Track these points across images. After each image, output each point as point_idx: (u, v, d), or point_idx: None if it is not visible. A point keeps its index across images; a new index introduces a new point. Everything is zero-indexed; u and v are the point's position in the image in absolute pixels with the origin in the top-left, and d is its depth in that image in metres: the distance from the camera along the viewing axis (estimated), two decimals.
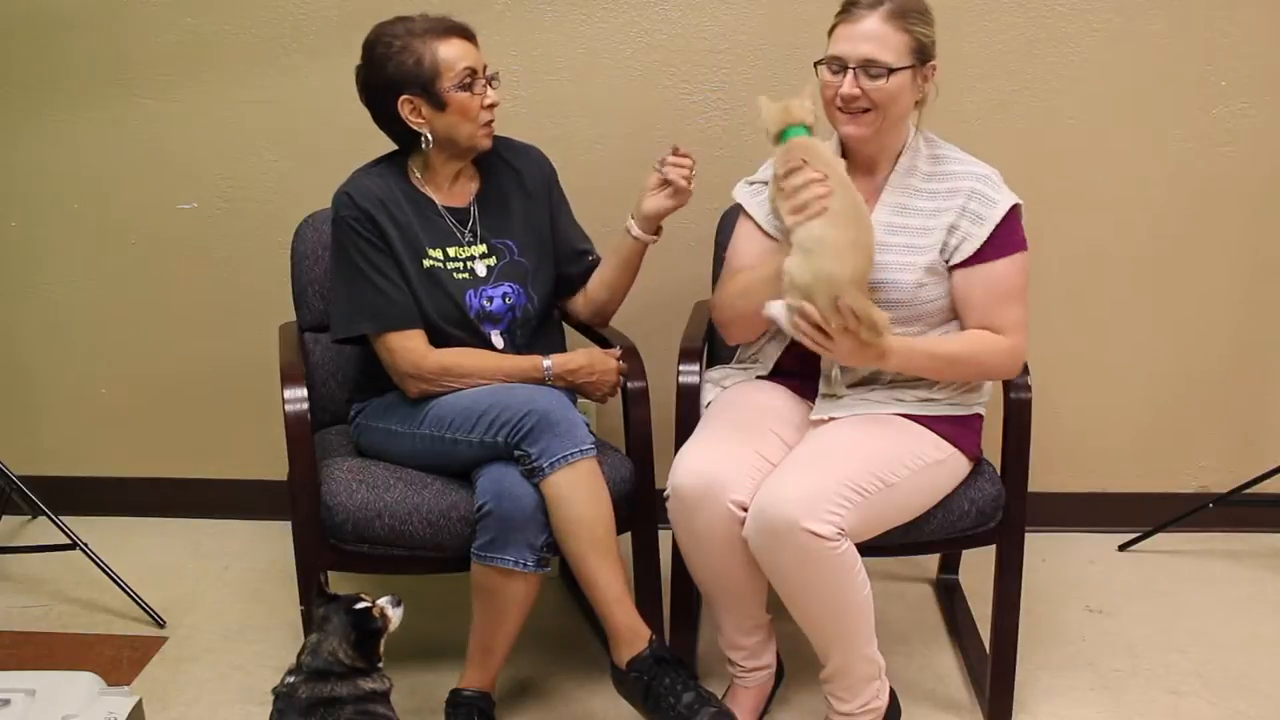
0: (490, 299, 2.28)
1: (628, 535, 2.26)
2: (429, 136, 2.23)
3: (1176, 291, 2.88)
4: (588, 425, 2.15)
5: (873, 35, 2.02)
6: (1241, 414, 2.96)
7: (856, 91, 2.04)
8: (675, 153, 2.24)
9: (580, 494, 2.08)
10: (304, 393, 2.21)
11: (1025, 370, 2.17)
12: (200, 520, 3.14)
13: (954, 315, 2.15)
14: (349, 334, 2.26)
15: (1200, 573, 2.83)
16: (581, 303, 2.46)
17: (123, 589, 2.67)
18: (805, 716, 2.29)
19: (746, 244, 2.24)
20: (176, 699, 2.38)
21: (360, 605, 1.94)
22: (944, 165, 2.14)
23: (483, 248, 2.31)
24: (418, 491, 2.17)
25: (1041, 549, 2.84)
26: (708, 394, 2.29)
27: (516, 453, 2.08)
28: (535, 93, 2.82)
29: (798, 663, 2.30)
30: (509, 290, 2.30)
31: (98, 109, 2.92)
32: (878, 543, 2.07)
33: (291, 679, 1.92)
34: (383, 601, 1.98)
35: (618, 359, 2.32)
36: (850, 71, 2.04)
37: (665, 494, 2.07)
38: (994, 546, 2.23)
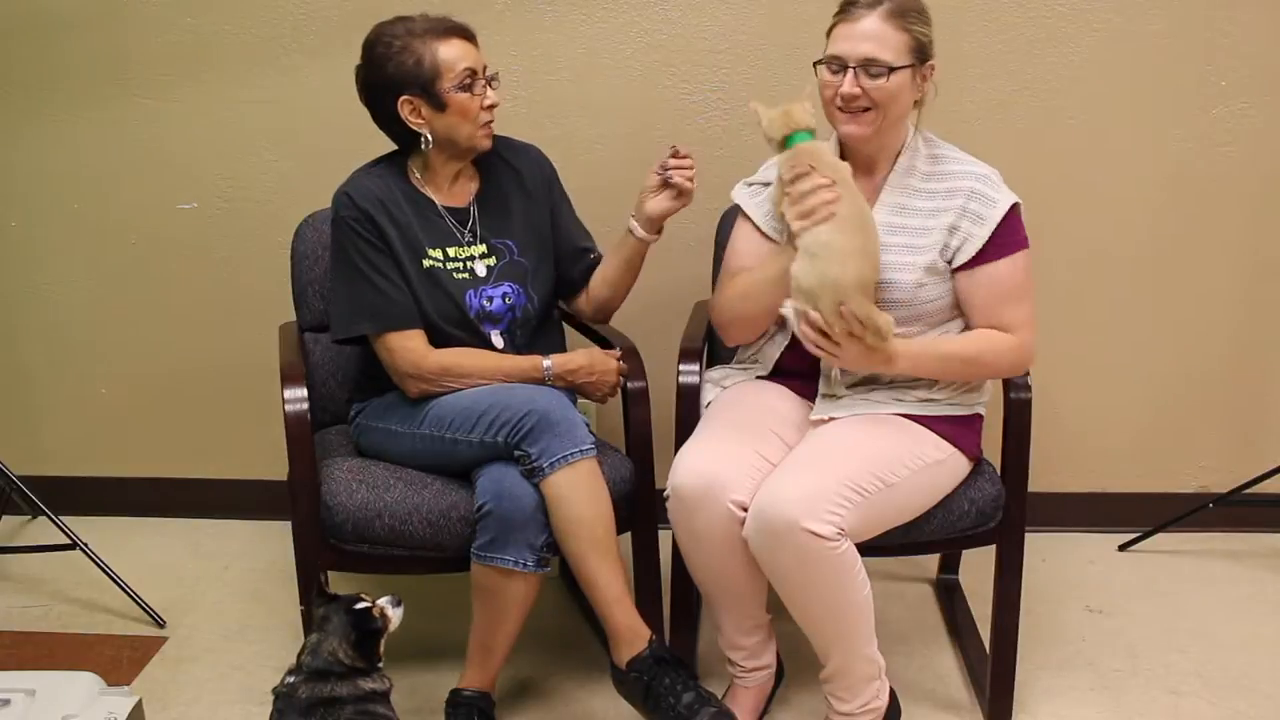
0: (490, 299, 2.28)
1: (628, 535, 2.26)
2: (428, 137, 2.23)
3: (1176, 291, 2.88)
4: (588, 425, 2.14)
5: (872, 34, 2.02)
6: (1241, 414, 2.96)
7: (857, 90, 2.04)
8: (675, 154, 2.24)
9: (580, 494, 2.08)
10: (304, 393, 2.21)
11: (1025, 370, 2.17)
12: (200, 520, 3.14)
13: (954, 315, 2.16)
14: (349, 334, 2.26)
15: (1200, 573, 2.83)
16: (584, 301, 2.46)
17: (123, 589, 2.67)
18: (805, 716, 2.29)
19: (745, 245, 2.25)
20: (176, 699, 2.38)
21: (360, 605, 1.94)
22: (943, 165, 2.14)
23: (482, 248, 2.31)
24: (418, 491, 2.17)
25: (1041, 549, 2.84)
26: (708, 394, 2.29)
27: (516, 453, 2.08)
28: (535, 93, 2.82)
29: (798, 663, 2.30)
30: (509, 290, 2.30)
31: (98, 109, 2.92)
32: (878, 543, 2.07)
33: (291, 679, 1.92)
34: (383, 601, 1.98)
35: (618, 359, 2.32)
36: (850, 71, 2.04)
37: (665, 494, 2.07)
38: (994, 546, 2.23)
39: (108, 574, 2.67)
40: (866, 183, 2.14)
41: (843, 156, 2.13)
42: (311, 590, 2.04)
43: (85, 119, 2.93)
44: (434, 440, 2.18)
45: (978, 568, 2.52)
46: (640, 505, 2.28)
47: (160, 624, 2.64)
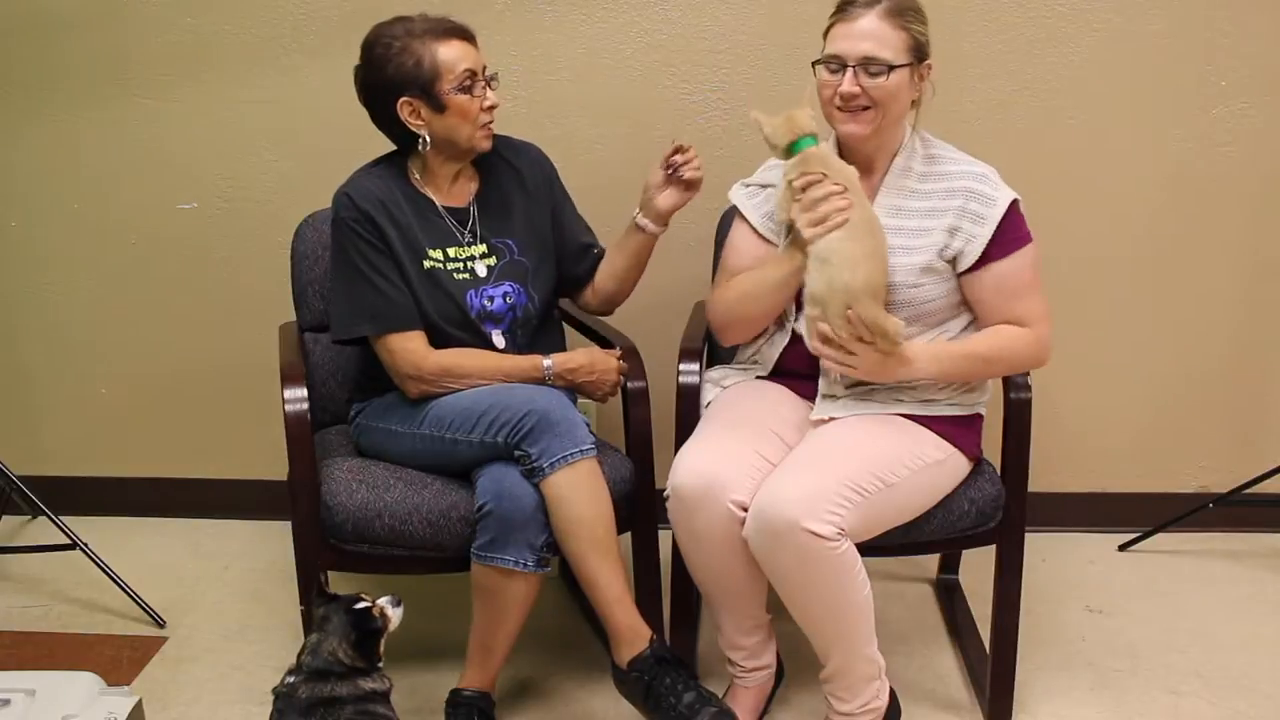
0: (491, 299, 2.28)
1: (628, 535, 2.26)
2: (427, 138, 2.22)
3: (1176, 291, 2.88)
4: (588, 425, 2.14)
5: (871, 33, 2.02)
6: (1241, 414, 2.96)
7: (856, 89, 2.04)
8: (680, 150, 2.24)
9: (580, 494, 2.08)
10: (304, 393, 2.21)
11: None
12: (200, 520, 3.14)
13: (954, 314, 2.16)
14: (349, 335, 2.26)
15: (1200, 573, 2.83)
16: (590, 295, 2.45)
17: (123, 589, 2.67)
18: (805, 716, 2.29)
19: (742, 246, 2.25)
20: (176, 699, 2.38)
21: (360, 605, 1.94)
22: (939, 165, 2.14)
23: (483, 247, 2.31)
24: (418, 491, 2.17)
25: (1041, 549, 2.84)
26: (708, 394, 2.29)
27: (517, 453, 2.08)
28: (535, 93, 2.82)
29: (798, 663, 2.30)
30: (509, 290, 2.30)
31: (98, 109, 2.92)
32: (878, 543, 2.07)
33: (291, 679, 1.92)
34: (383, 601, 1.98)
35: (618, 358, 2.32)
36: (849, 70, 2.04)
37: (665, 494, 2.07)
38: (994, 546, 2.23)
39: (108, 574, 2.67)
40: (864, 183, 2.13)
41: (841, 157, 2.13)
42: (311, 590, 2.04)
43: (85, 119, 2.93)
44: (434, 440, 2.18)
45: (978, 568, 2.52)
46: (640, 505, 2.28)
47: (160, 624, 2.64)
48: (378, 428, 2.30)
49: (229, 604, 2.76)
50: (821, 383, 2.18)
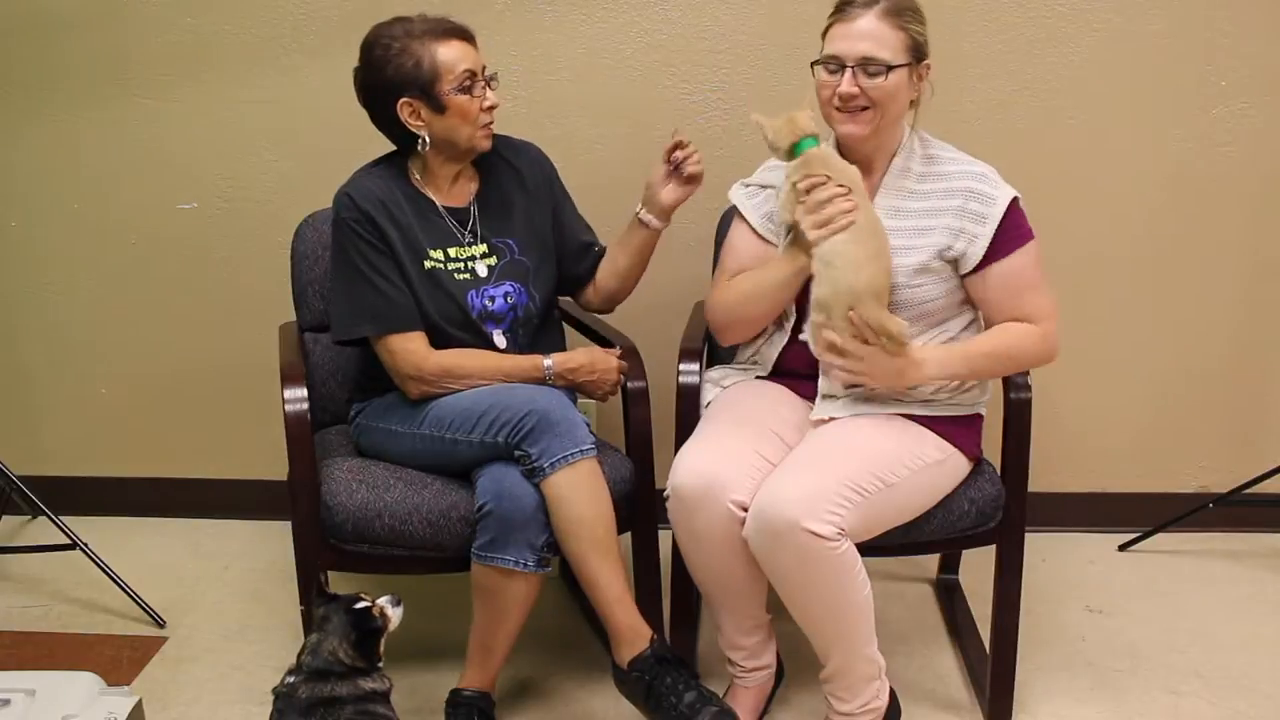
0: (492, 299, 2.28)
1: (628, 535, 2.26)
2: (427, 139, 2.22)
3: (1176, 291, 2.88)
4: (588, 425, 2.14)
5: (869, 33, 2.02)
6: (1241, 414, 2.96)
7: (855, 90, 2.04)
8: (680, 146, 2.25)
9: (581, 494, 2.08)
10: (304, 393, 2.21)
11: (1026, 370, 2.17)
12: (200, 520, 3.14)
13: (954, 313, 2.16)
14: (350, 336, 2.26)
15: (1200, 573, 2.83)
16: (591, 293, 2.45)
17: (123, 589, 2.67)
18: (805, 716, 2.29)
19: (741, 246, 2.25)
20: (176, 699, 2.38)
21: (360, 605, 1.94)
22: (937, 165, 2.14)
23: (483, 247, 2.31)
24: (418, 491, 2.17)
25: (1041, 549, 2.84)
26: (708, 394, 2.29)
27: (517, 453, 2.08)
28: (535, 93, 2.82)
29: (798, 663, 2.30)
30: (510, 289, 2.30)
31: (98, 109, 2.92)
32: (878, 543, 2.07)
33: (291, 679, 1.92)
34: (382, 601, 1.98)
35: (618, 358, 2.32)
36: (848, 70, 2.04)
37: (665, 494, 2.07)
38: (994, 546, 2.23)
39: (108, 574, 2.67)
40: (863, 184, 2.14)
41: (840, 157, 2.14)
42: (311, 590, 2.04)
43: (85, 119, 2.93)
44: (434, 440, 2.18)
45: (978, 568, 2.52)
46: (640, 505, 2.28)
47: (160, 624, 2.64)
48: (378, 428, 2.30)
49: (229, 604, 2.76)
50: (821, 383, 2.18)
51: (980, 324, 2.23)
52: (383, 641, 1.97)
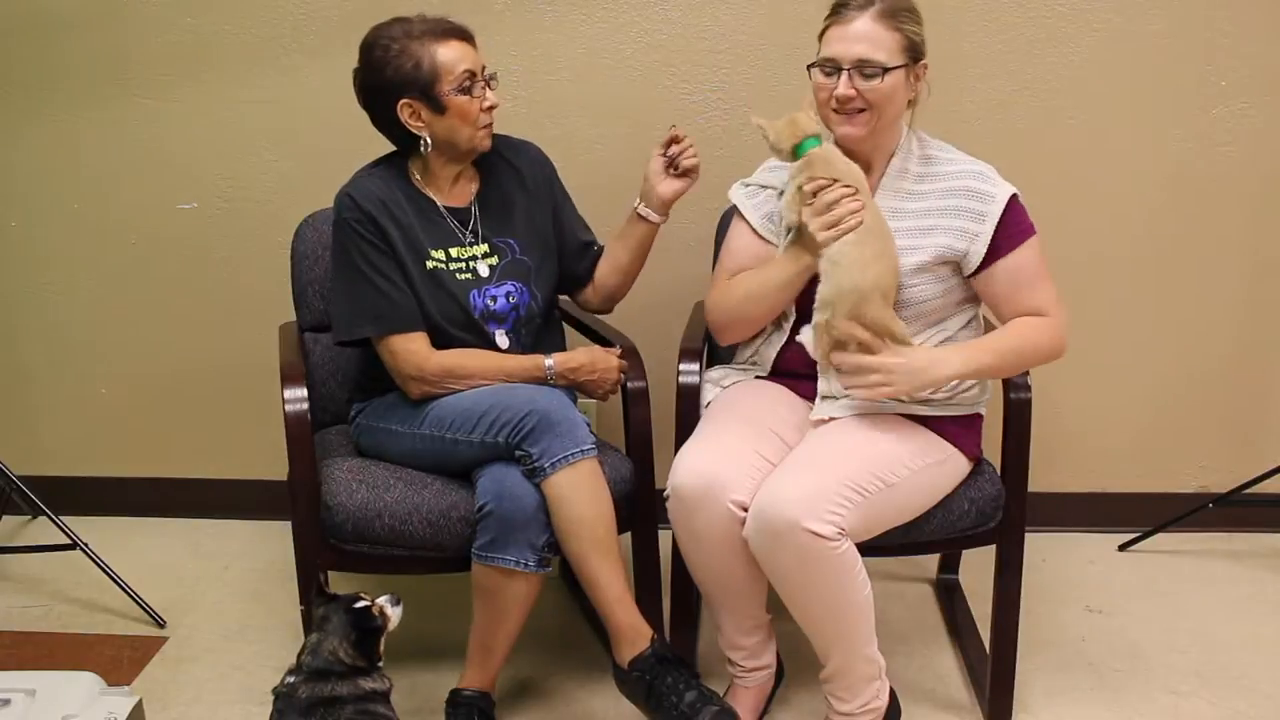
0: (494, 299, 2.28)
1: (628, 535, 2.26)
2: (428, 140, 2.22)
3: (1176, 291, 2.88)
4: (588, 425, 2.14)
5: (865, 35, 2.02)
6: (1241, 414, 2.96)
7: (852, 92, 2.04)
8: (676, 140, 2.25)
9: (581, 494, 2.08)
10: (304, 393, 2.21)
11: (1025, 370, 2.17)
12: (200, 520, 3.14)
13: (953, 313, 2.16)
14: (352, 337, 2.26)
15: (1200, 573, 2.83)
16: (590, 292, 2.45)
17: (123, 589, 2.67)
18: (805, 716, 2.29)
19: (741, 246, 2.25)
20: (176, 699, 2.38)
21: (360, 604, 1.94)
22: (935, 166, 2.14)
23: (484, 247, 2.31)
24: (418, 491, 2.17)
25: (1041, 549, 2.84)
26: (708, 394, 2.29)
27: (517, 453, 2.08)
28: (535, 93, 2.82)
29: (798, 663, 2.30)
30: (512, 289, 2.30)
31: (98, 109, 2.92)
32: (878, 543, 2.07)
33: (291, 679, 1.92)
34: (382, 600, 1.98)
35: (618, 357, 2.32)
36: (845, 72, 2.04)
37: (665, 494, 2.07)
38: (994, 546, 2.23)
39: (108, 574, 2.67)
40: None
41: None
42: (311, 590, 2.04)
43: (85, 119, 2.93)
44: (435, 440, 2.18)
45: (978, 568, 2.52)
46: (640, 505, 2.28)
47: (160, 624, 2.64)
48: (378, 428, 2.30)
49: (229, 604, 2.76)
50: (821, 383, 2.18)
51: (979, 323, 2.23)
52: (382, 641, 1.97)
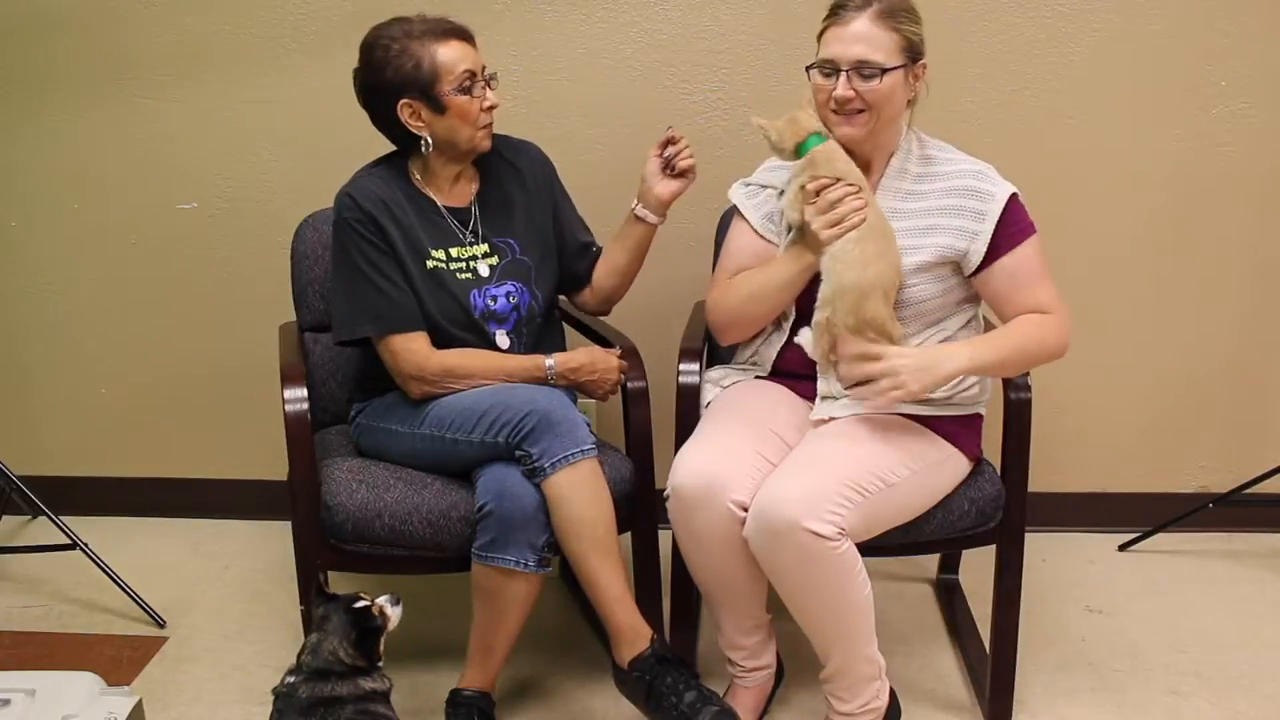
0: (494, 298, 2.28)
1: (628, 535, 2.26)
2: (429, 140, 2.22)
3: (1176, 291, 2.88)
4: (588, 425, 2.14)
5: (863, 36, 2.02)
6: (1241, 414, 2.96)
7: (850, 93, 2.04)
8: (673, 141, 2.25)
9: (581, 494, 2.08)
10: (304, 393, 2.21)
11: (1029, 368, 2.16)
12: (200, 520, 3.14)
13: (951, 313, 2.16)
14: (352, 336, 2.26)
15: (1200, 573, 2.83)
16: (588, 294, 2.46)
17: (123, 589, 2.67)
18: (805, 716, 2.29)
19: (742, 246, 2.25)
20: (176, 699, 2.38)
21: (359, 604, 1.94)
22: (934, 166, 2.14)
23: (484, 247, 2.31)
24: (418, 491, 2.17)
25: (1041, 549, 2.84)
26: (707, 394, 2.29)
27: (518, 453, 2.08)
28: (535, 93, 2.82)
29: (798, 663, 2.30)
30: (512, 289, 2.30)
31: (98, 109, 2.92)
32: (878, 543, 2.07)
33: (291, 679, 1.92)
34: (382, 600, 1.98)
35: (618, 357, 2.32)
36: (843, 74, 2.04)
37: (665, 494, 2.07)
38: (994, 546, 2.23)
39: (108, 574, 2.67)
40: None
41: None
42: (311, 590, 2.04)
43: (85, 119, 2.93)
44: (435, 440, 2.18)
45: (978, 568, 2.52)
46: (640, 505, 2.28)
47: (160, 624, 2.64)
48: (378, 428, 2.30)
49: (229, 604, 2.76)
50: (821, 383, 2.18)
51: (979, 323, 2.23)
52: (382, 641, 1.97)
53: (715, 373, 2.34)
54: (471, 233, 2.31)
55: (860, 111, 2.06)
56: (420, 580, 2.32)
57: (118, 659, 2.51)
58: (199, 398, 3.10)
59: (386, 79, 2.18)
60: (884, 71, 2.02)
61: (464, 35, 2.21)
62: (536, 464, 2.06)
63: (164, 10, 2.84)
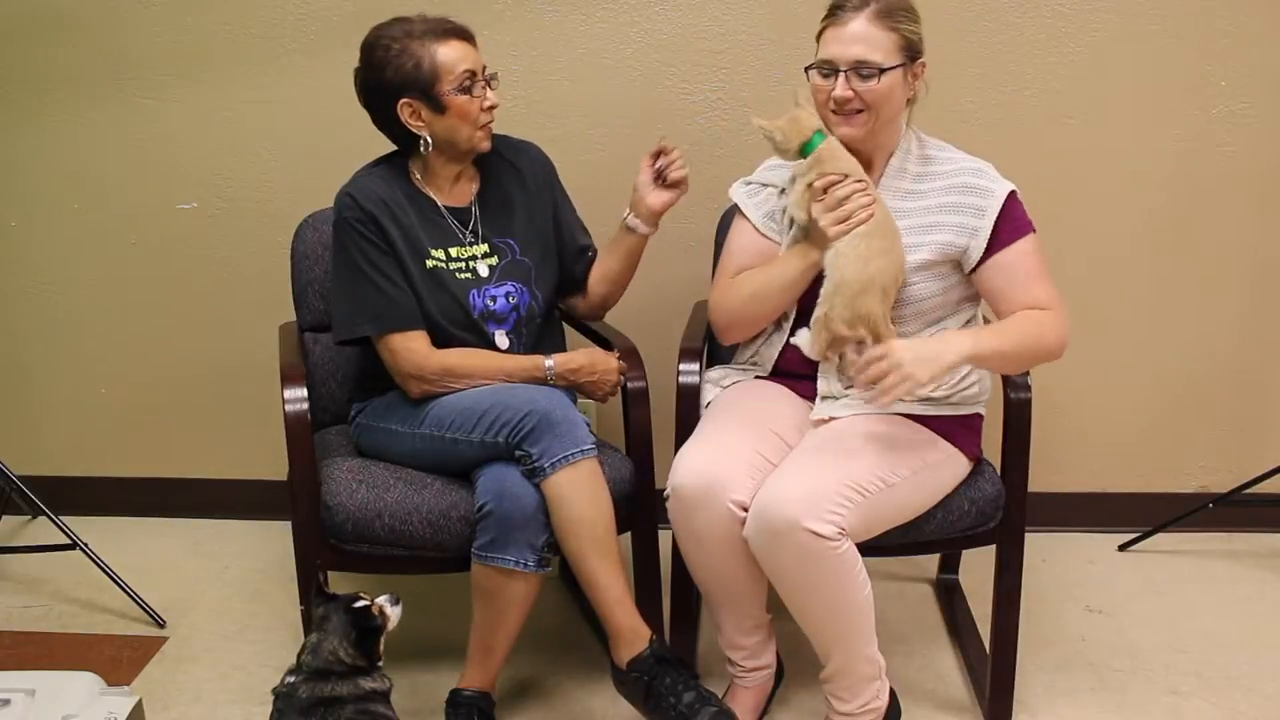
0: (494, 299, 2.28)
1: (628, 535, 2.26)
2: (428, 140, 2.22)
3: (1176, 291, 2.88)
4: (588, 425, 2.14)
5: (862, 36, 2.02)
6: (1241, 414, 2.96)
7: (849, 94, 2.04)
8: (665, 152, 2.25)
9: (581, 494, 2.08)
10: (304, 393, 2.21)
11: (1029, 364, 2.16)
12: (200, 520, 3.14)
13: (951, 312, 2.16)
14: (351, 336, 2.26)
15: (1200, 573, 2.83)
16: (580, 301, 2.46)
17: (123, 589, 2.67)
18: (805, 716, 2.29)
19: (743, 245, 2.25)
20: (176, 699, 2.38)
21: (359, 604, 1.94)
22: (934, 165, 2.14)
23: (484, 247, 2.31)
24: (418, 491, 2.17)
25: (1041, 549, 2.84)
26: (708, 394, 2.29)
27: (517, 453, 2.08)
28: (535, 93, 2.82)
29: (798, 663, 2.30)
30: (512, 289, 2.30)
31: (98, 109, 2.92)
32: (878, 543, 2.07)
33: (291, 679, 1.92)
34: (381, 600, 1.98)
35: (618, 358, 2.32)
36: (842, 74, 2.04)
37: (665, 494, 2.07)
38: (994, 546, 2.23)
39: (108, 574, 2.67)
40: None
41: None
42: (311, 590, 2.04)
43: (85, 119, 2.93)
44: (434, 440, 2.18)
45: (978, 568, 2.52)
46: (640, 505, 2.28)
47: (160, 624, 2.64)
48: (378, 427, 2.30)
49: (229, 604, 2.76)
50: (821, 383, 2.18)
51: (978, 323, 2.23)
52: (382, 640, 1.97)
53: (715, 373, 2.34)
54: (471, 233, 2.31)
55: (859, 111, 2.06)
56: (420, 580, 2.32)
57: (118, 659, 2.51)
58: (199, 398, 3.10)
59: (387, 79, 2.18)
60: (882, 71, 2.02)
61: (464, 35, 2.21)
62: (536, 464, 2.06)
63: (164, 10, 2.84)
